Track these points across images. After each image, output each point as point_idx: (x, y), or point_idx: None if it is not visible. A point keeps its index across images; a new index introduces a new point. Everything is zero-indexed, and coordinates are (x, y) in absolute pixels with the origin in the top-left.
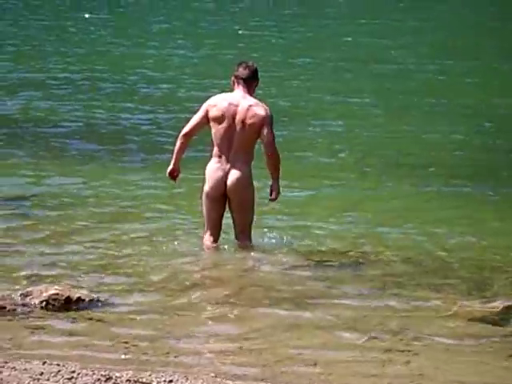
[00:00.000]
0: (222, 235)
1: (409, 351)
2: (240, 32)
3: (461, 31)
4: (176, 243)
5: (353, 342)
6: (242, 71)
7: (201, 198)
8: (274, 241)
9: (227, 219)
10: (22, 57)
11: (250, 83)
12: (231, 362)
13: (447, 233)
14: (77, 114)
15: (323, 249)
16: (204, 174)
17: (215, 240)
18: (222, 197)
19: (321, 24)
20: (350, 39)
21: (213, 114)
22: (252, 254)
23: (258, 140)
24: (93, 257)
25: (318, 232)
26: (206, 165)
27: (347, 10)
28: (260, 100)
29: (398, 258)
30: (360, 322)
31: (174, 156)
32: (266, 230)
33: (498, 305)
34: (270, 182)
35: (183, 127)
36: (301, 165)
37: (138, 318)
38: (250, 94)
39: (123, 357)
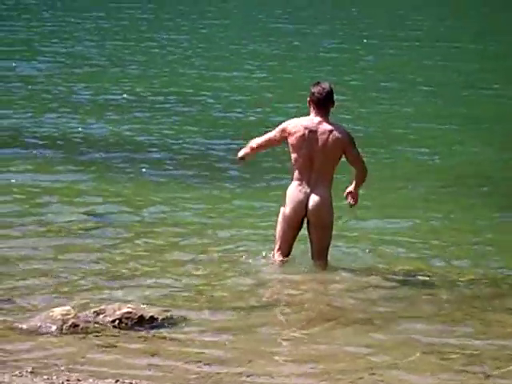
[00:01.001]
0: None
1: (483, 373)
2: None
3: None
4: (244, 261)
5: (425, 366)
6: (318, 94)
7: (277, 217)
8: (350, 260)
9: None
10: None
11: (326, 106)
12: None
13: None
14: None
15: (397, 269)
16: (284, 196)
17: (286, 257)
18: (300, 219)
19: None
20: (439, 62)
21: (292, 141)
22: (327, 273)
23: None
24: (163, 276)
25: (391, 252)
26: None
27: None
28: (337, 123)
29: (470, 280)
30: (431, 344)
31: (247, 150)
32: (344, 249)
33: None
34: (350, 189)
35: (255, 138)
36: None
37: (211, 337)
38: (326, 117)
39: (195, 377)
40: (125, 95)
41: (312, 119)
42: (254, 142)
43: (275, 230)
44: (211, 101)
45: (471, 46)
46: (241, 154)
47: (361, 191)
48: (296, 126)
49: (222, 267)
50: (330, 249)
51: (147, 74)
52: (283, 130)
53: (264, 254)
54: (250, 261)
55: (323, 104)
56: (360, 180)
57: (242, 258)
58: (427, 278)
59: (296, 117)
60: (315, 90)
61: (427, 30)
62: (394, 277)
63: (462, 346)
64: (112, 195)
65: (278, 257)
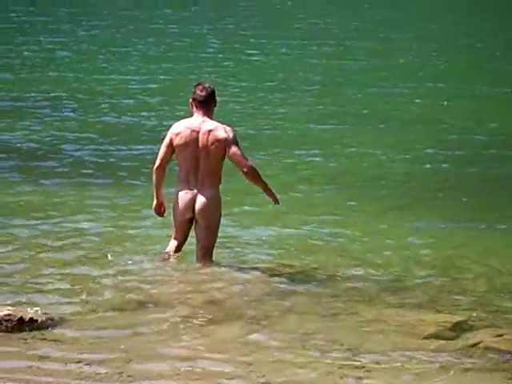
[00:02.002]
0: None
1: (362, 367)
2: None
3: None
4: (127, 261)
5: (305, 360)
6: (200, 94)
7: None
8: (234, 259)
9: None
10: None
11: (208, 105)
12: (181, 382)
13: (405, 252)
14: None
15: (288, 263)
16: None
17: (178, 248)
18: (189, 221)
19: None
20: (324, 61)
21: (177, 141)
22: (212, 271)
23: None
24: (43, 278)
25: (276, 252)
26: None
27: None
28: (221, 122)
29: (355, 275)
30: (312, 339)
31: (156, 191)
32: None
33: (450, 320)
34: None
35: (154, 160)
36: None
37: (91, 337)
38: (209, 117)
39: (76, 377)
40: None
41: (195, 119)
42: (156, 165)
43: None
44: (103, 105)
45: (359, 43)
46: (154, 204)
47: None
48: (180, 127)
49: (103, 267)
50: (215, 249)
51: (31, 78)
52: (171, 133)
53: (149, 253)
54: (134, 260)
55: (205, 104)
56: (255, 182)
57: (124, 258)
58: (311, 276)
59: (182, 119)
60: (197, 90)
61: (312, 28)
62: (280, 274)
63: (341, 341)
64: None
65: (171, 245)
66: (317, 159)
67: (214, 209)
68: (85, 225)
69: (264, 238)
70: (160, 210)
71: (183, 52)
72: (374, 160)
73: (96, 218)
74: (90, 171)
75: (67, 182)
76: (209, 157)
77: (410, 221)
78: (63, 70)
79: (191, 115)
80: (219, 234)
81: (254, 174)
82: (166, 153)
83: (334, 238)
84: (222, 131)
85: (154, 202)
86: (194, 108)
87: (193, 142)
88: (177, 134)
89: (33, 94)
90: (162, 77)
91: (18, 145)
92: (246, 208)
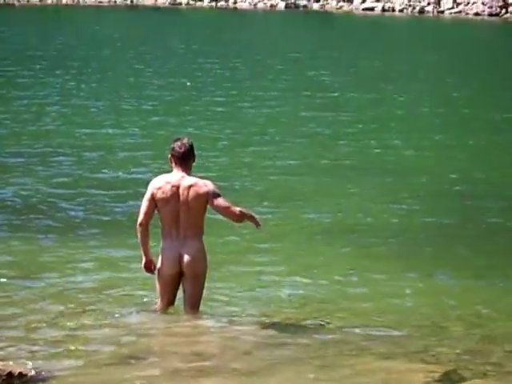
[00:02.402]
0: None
1: None
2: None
3: None
4: (117, 315)
5: None
6: (178, 150)
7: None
8: (221, 310)
9: None
10: None
11: (187, 161)
12: None
13: (394, 302)
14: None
15: (276, 315)
16: (159, 255)
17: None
18: (177, 275)
19: None
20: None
21: (158, 196)
22: (200, 323)
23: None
24: (38, 330)
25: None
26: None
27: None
28: (200, 177)
29: (344, 326)
30: None
31: (142, 249)
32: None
33: (439, 370)
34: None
35: (137, 217)
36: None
37: None
38: (187, 173)
39: None
40: None
41: (174, 175)
42: (139, 222)
43: (154, 287)
44: (94, 159)
45: (351, 94)
46: (143, 263)
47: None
48: (160, 182)
49: (93, 320)
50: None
51: (21, 132)
52: (152, 188)
53: (138, 305)
54: (123, 313)
55: (184, 159)
56: (242, 220)
57: (114, 311)
58: (300, 327)
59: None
60: (175, 145)
61: (303, 79)
62: (268, 326)
63: None
64: None
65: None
66: (308, 211)
67: (200, 261)
68: (75, 278)
69: (252, 289)
70: (150, 267)
71: (175, 105)
72: (366, 212)
73: (86, 270)
74: (81, 225)
75: (58, 236)
76: (190, 211)
77: (399, 271)
78: (53, 124)
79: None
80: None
81: (242, 216)
82: (148, 207)
83: (323, 288)
84: (203, 186)
85: (143, 261)
86: (173, 164)
87: (173, 197)
88: (158, 189)
89: (23, 149)
90: (152, 131)
91: (8, 201)
92: (232, 258)
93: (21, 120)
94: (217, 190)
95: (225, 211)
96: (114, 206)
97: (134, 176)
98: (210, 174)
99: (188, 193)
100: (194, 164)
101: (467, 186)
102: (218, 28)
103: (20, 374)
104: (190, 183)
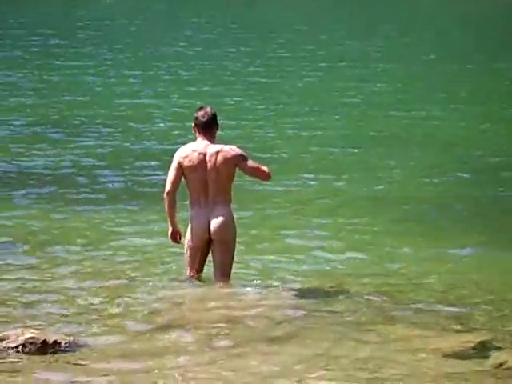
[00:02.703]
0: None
1: None
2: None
3: None
4: (151, 284)
5: (328, 379)
6: (201, 119)
7: (184, 243)
8: (253, 278)
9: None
10: None
11: (211, 129)
12: None
13: (427, 274)
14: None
15: (307, 284)
16: (188, 223)
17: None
18: (206, 243)
19: None
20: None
21: (186, 164)
22: (231, 291)
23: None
24: (67, 302)
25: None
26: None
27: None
28: (224, 143)
29: (378, 296)
30: (335, 359)
31: (169, 219)
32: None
33: (473, 339)
34: None
35: (164, 186)
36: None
37: (114, 363)
38: (211, 141)
39: None
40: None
41: (199, 143)
42: (166, 191)
43: (184, 255)
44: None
45: (385, 66)
46: (169, 232)
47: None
48: (186, 150)
49: (124, 292)
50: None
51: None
52: (178, 157)
53: (168, 275)
54: (154, 282)
55: (208, 127)
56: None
57: (144, 281)
58: (332, 296)
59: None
60: (199, 114)
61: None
62: (299, 294)
63: (364, 361)
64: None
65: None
66: (349, 184)
67: (229, 226)
68: (104, 251)
69: (283, 259)
70: (176, 238)
71: (206, 75)
72: (399, 183)
73: (122, 240)
74: (119, 196)
75: (82, 208)
76: (218, 178)
77: (434, 245)
78: (91, 95)
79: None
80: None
81: (271, 174)
82: (175, 176)
83: (360, 262)
84: (230, 151)
85: (170, 230)
86: (197, 133)
87: (201, 164)
88: (184, 157)
89: (53, 118)
90: (190, 101)
91: (34, 170)
92: (265, 232)
93: (59, 90)
94: (244, 153)
95: (256, 172)
96: (152, 177)
97: (172, 147)
98: (251, 145)
99: (216, 159)
100: (217, 132)
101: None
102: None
103: (55, 341)
104: (216, 149)
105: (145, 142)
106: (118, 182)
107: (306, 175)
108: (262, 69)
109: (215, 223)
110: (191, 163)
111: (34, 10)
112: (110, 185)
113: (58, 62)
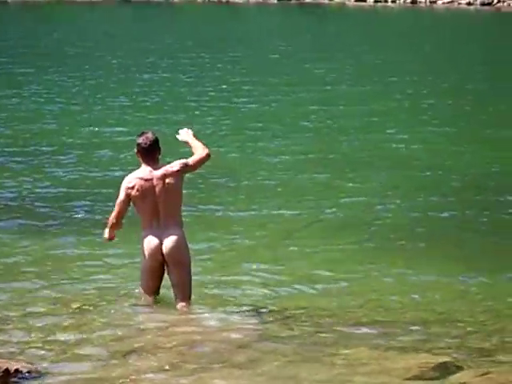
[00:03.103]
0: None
1: None
2: None
3: None
4: (113, 311)
5: None
6: (143, 144)
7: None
8: (214, 300)
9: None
10: None
11: (153, 154)
12: None
13: (388, 296)
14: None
15: (269, 306)
16: (141, 248)
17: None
18: (161, 265)
19: None
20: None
21: (134, 194)
22: (193, 317)
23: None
24: (27, 329)
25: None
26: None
27: None
28: (163, 163)
29: (339, 318)
30: (294, 379)
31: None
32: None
33: (434, 360)
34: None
35: (111, 213)
36: None
37: None
38: (155, 165)
39: None
40: None
41: (144, 169)
42: (112, 218)
43: (141, 282)
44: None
45: (351, 88)
46: (106, 235)
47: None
48: (132, 180)
49: (87, 316)
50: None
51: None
52: (125, 189)
53: (129, 299)
54: (115, 308)
55: (150, 153)
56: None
57: (104, 306)
58: (294, 319)
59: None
60: (140, 140)
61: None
62: (261, 317)
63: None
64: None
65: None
66: (316, 207)
67: (182, 247)
68: (66, 279)
69: (244, 283)
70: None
71: (174, 100)
72: (375, 206)
73: (78, 269)
74: (83, 225)
75: (45, 237)
76: (169, 199)
77: (398, 267)
78: (55, 123)
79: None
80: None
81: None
82: (122, 208)
83: (319, 282)
84: (172, 167)
85: (108, 235)
86: (140, 158)
87: (149, 190)
88: (131, 188)
89: (16, 146)
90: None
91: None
92: (226, 257)
93: (20, 119)
94: (184, 161)
95: (200, 162)
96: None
97: None
98: (213, 170)
99: (163, 181)
100: (159, 157)
101: (479, 179)
102: (212, 22)
103: (16, 370)
104: (161, 172)
105: (109, 169)
106: (82, 210)
107: (274, 200)
108: (224, 93)
109: (168, 244)
110: (139, 192)
111: None
112: (73, 213)
113: (17, 91)
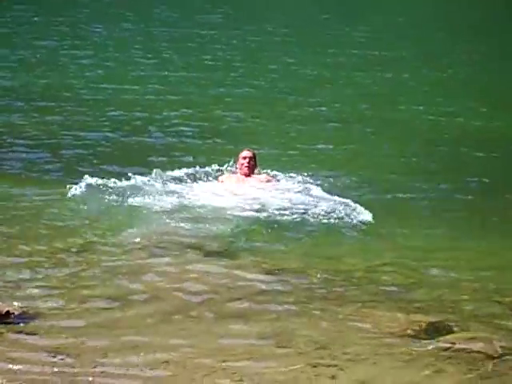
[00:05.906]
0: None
1: (335, 366)
2: None
3: None
4: (109, 254)
5: (280, 358)
6: None
7: None
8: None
9: None
10: None
11: None
12: (156, 374)
13: (384, 256)
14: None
15: (269, 263)
16: None
17: None
18: None
19: None
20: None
21: None
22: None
23: None
24: (24, 269)
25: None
26: None
27: None
28: None
29: (333, 276)
30: (288, 338)
31: None
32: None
33: (424, 320)
34: None
35: None
36: None
37: (67, 331)
38: None
39: (50, 370)
40: None
41: None
42: None
43: None
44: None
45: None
46: None
47: None
48: None
49: (80, 262)
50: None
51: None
52: None
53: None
54: (111, 252)
55: None
56: None
57: (103, 247)
58: (290, 275)
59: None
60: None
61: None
62: (258, 272)
63: (315, 340)
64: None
65: None
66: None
67: None
68: (65, 221)
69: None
70: None
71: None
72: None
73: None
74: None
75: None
76: None
77: (397, 226)
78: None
79: None
80: None
81: None
82: None
83: (312, 242)
84: None
85: None
86: None
87: None
88: None
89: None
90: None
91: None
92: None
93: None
94: None
95: None
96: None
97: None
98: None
99: None
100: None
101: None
102: None
103: (7, 312)
104: None
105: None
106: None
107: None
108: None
109: None
110: None
111: None
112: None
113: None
